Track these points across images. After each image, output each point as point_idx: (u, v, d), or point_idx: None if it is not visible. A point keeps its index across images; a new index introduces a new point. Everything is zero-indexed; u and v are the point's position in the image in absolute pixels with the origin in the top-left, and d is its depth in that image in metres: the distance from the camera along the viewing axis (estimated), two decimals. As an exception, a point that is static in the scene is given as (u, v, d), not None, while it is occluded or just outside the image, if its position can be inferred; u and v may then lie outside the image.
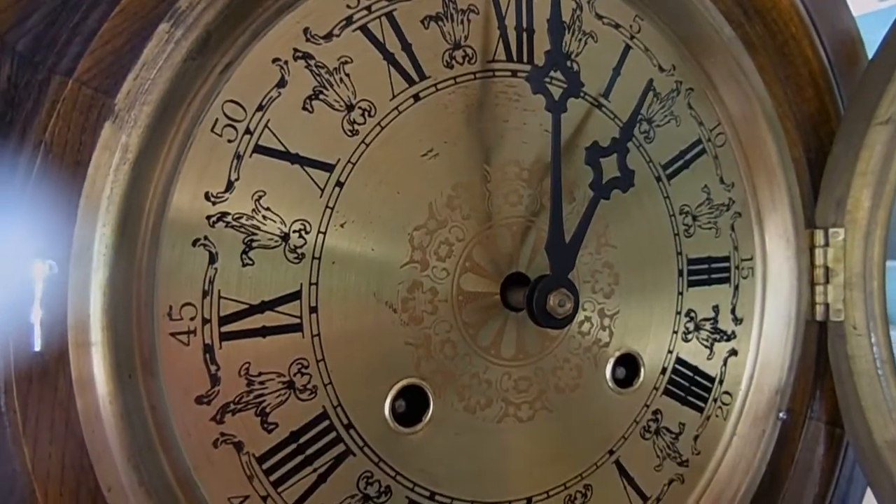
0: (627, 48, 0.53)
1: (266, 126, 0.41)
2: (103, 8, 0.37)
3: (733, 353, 0.58)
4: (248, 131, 0.41)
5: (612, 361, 0.53)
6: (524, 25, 0.49)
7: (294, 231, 0.42)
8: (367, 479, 0.45)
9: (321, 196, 0.43)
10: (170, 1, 0.38)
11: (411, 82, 0.45)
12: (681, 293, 0.55)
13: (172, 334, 0.39)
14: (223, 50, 0.40)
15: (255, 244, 0.41)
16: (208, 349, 0.40)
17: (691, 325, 0.56)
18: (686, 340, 0.56)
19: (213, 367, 0.40)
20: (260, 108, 0.41)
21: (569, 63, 0.50)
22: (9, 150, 0.35)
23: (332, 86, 0.43)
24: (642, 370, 0.54)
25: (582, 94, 0.50)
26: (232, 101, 0.40)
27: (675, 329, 0.55)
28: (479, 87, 0.47)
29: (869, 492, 0.59)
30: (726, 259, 0.57)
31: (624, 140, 0.49)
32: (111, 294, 0.37)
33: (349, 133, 0.44)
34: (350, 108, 0.43)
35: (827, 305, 0.57)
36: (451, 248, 0.47)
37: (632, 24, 0.53)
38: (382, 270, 0.45)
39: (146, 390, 0.39)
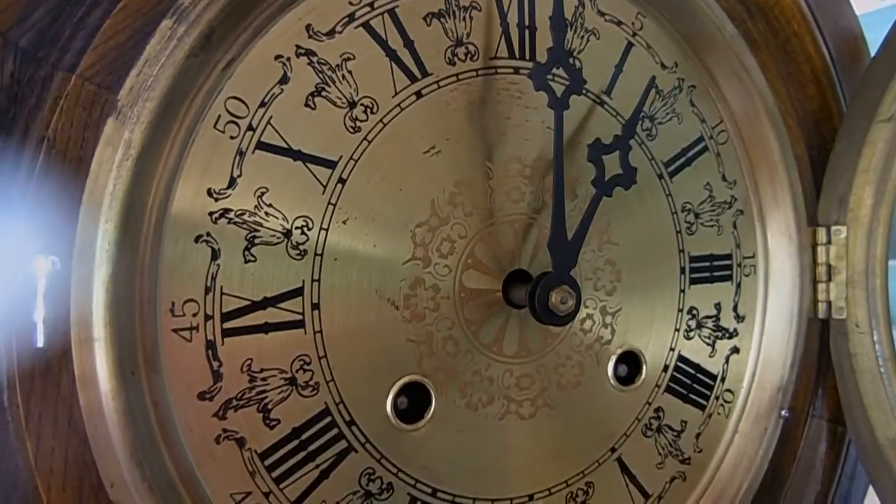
0: (629, 45, 0.53)
1: (268, 123, 0.41)
2: (106, 4, 0.37)
3: (735, 350, 0.58)
4: (250, 128, 0.41)
5: (613, 359, 0.53)
6: (526, 22, 0.49)
7: (296, 227, 0.42)
8: (369, 476, 0.45)
9: (323, 193, 0.43)
10: (172, -3, 0.38)
11: (413, 79, 0.45)
12: (683, 291, 0.55)
13: (175, 330, 0.39)
14: (226, 46, 0.40)
15: (257, 241, 0.41)
16: (210, 345, 0.40)
17: (693, 323, 0.56)
18: (688, 338, 0.56)
19: (215, 364, 0.40)
20: (262, 104, 0.41)
21: (571, 60, 0.49)
22: (12, 147, 0.35)
23: (334, 82, 0.43)
24: (644, 368, 0.54)
25: (584, 92, 0.50)
26: (234, 97, 0.41)
27: (677, 327, 0.55)
28: (481, 84, 0.47)
29: (871, 490, 0.58)
30: (728, 256, 0.57)
31: (626, 137, 0.48)
32: (114, 290, 0.37)
33: (351, 130, 0.44)
34: (352, 104, 0.43)
35: (829, 303, 0.57)
36: (453, 245, 0.47)
37: (634, 22, 0.53)
38: (384, 267, 0.45)
39: (149, 386, 0.39)
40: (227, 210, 0.40)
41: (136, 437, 0.37)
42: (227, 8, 0.39)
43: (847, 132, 0.57)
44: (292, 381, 0.42)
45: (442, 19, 0.46)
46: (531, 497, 0.50)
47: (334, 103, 0.43)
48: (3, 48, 0.34)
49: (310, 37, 0.42)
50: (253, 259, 0.41)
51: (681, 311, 0.55)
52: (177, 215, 0.39)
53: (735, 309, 0.57)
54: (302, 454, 0.43)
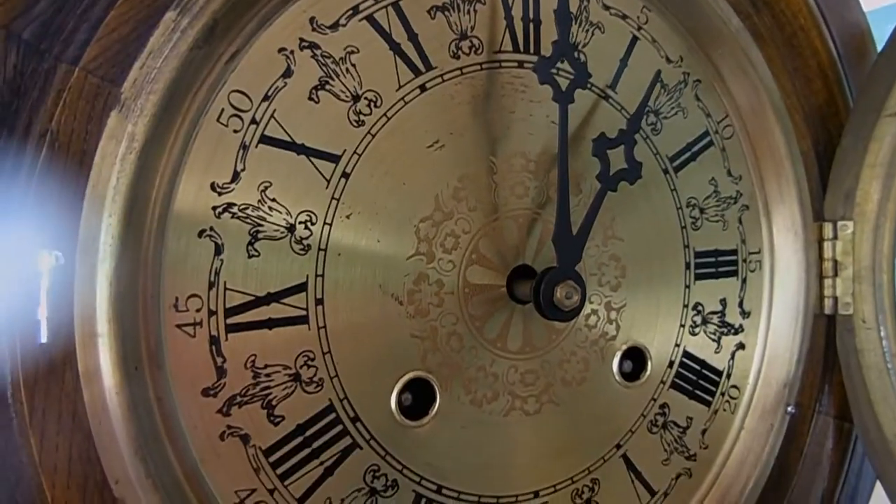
0: (635, 39, 0.52)
1: (272, 116, 0.41)
2: (109, -3, 0.37)
3: (741, 346, 0.57)
4: (253, 121, 0.41)
5: (618, 355, 0.52)
6: (531, 16, 0.49)
7: (300, 222, 0.42)
8: (373, 473, 0.44)
9: (327, 187, 0.43)
10: (176, -10, 0.37)
11: (417, 73, 0.45)
12: (688, 286, 0.55)
13: (178, 326, 0.39)
14: (229, 39, 0.39)
15: (260, 235, 0.41)
16: (214, 341, 0.40)
17: (699, 319, 0.55)
18: (693, 334, 0.55)
19: (219, 359, 0.40)
20: (266, 98, 0.41)
21: (576, 54, 0.49)
22: (15, 140, 0.35)
23: (338, 76, 0.43)
24: (649, 364, 0.53)
25: (589, 86, 0.50)
26: (238, 90, 0.40)
27: (683, 322, 0.55)
28: (485, 78, 0.47)
29: (878, 486, 0.58)
30: (734, 252, 0.57)
31: (631, 132, 0.48)
32: (117, 285, 0.37)
33: (355, 124, 0.43)
34: (356, 98, 0.43)
35: (836, 299, 0.57)
36: (457, 240, 0.47)
37: (639, 15, 0.53)
38: (388, 262, 0.44)
39: (152, 382, 0.38)
40: (230, 204, 0.40)
41: (140, 434, 0.37)
42: (230, 0, 0.39)
43: (854, 127, 0.57)
44: (296, 377, 0.42)
45: (446, 12, 0.46)
46: (536, 494, 0.50)
47: (338, 97, 0.43)
48: (6, 40, 0.34)
49: (313, 29, 0.42)
50: (256, 254, 0.41)
51: (686, 306, 0.55)
52: (180, 210, 0.39)
53: (741, 305, 0.57)
54: (306, 451, 0.42)
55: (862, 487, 0.61)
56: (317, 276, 0.42)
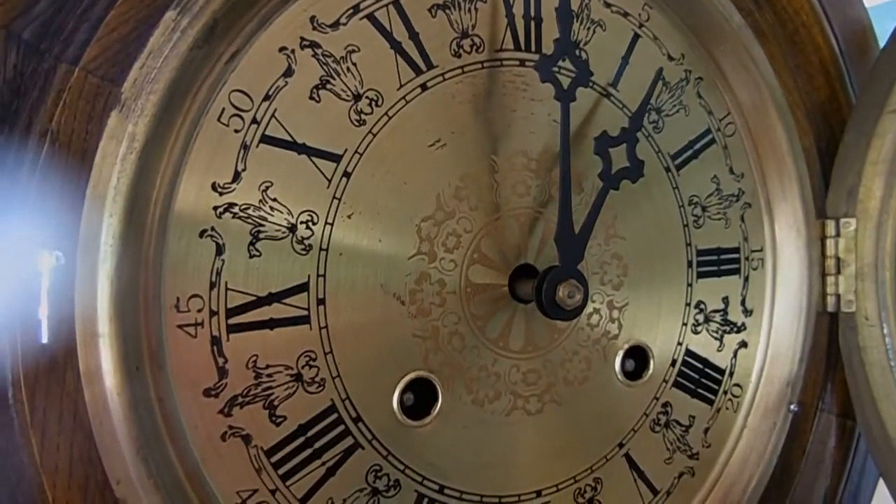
0: (636, 37, 0.52)
1: (273, 116, 0.41)
2: (109, -4, 0.36)
3: (743, 344, 0.57)
4: (254, 121, 0.41)
5: (621, 353, 0.52)
6: (532, 14, 0.48)
7: (301, 222, 0.42)
8: (375, 473, 0.44)
9: (328, 187, 0.42)
10: (176, -11, 0.37)
11: (419, 71, 0.45)
12: (690, 284, 0.55)
13: (180, 326, 0.39)
14: (230, 38, 0.39)
15: (262, 235, 0.41)
16: (216, 341, 0.40)
17: (701, 317, 0.55)
18: (696, 332, 0.55)
19: (220, 360, 0.40)
20: (266, 97, 0.41)
21: (577, 52, 0.49)
22: (15, 140, 0.35)
23: (339, 75, 0.43)
24: (652, 362, 0.53)
25: (591, 84, 0.49)
26: (238, 90, 0.40)
27: (685, 321, 0.55)
28: (486, 77, 0.47)
29: (881, 484, 0.58)
30: (736, 250, 0.56)
31: (633, 130, 0.48)
32: (118, 285, 0.37)
33: (356, 123, 0.43)
34: (357, 97, 0.43)
35: (838, 296, 0.57)
36: (458, 240, 0.46)
37: (640, 13, 0.53)
38: (390, 262, 0.44)
39: (154, 382, 0.38)
40: (231, 204, 0.40)
41: (142, 434, 0.37)
42: (230, -1, 0.38)
43: (856, 123, 0.56)
44: (298, 377, 0.42)
45: (447, 11, 0.46)
46: (539, 493, 0.50)
47: (339, 96, 0.43)
48: (6, 40, 0.34)
49: (314, 28, 0.42)
50: (258, 254, 0.41)
51: (688, 305, 0.55)
52: (181, 210, 0.39)
53: (743, 303, 0.57)
54: (308, 451, 0.42)
55: (865, 485, 0.60)
56: (318, 276, 0.42)
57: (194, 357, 0.39)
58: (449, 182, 0.46)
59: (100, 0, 0.36)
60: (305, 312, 0.42)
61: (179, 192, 0.39)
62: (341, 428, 0.43)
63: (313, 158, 0.42)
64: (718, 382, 0.56)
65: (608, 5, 0.51)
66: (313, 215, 0.42)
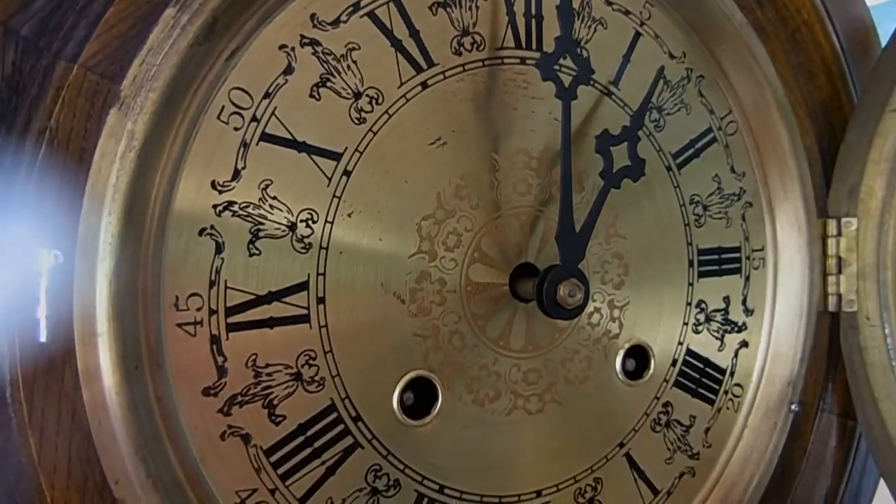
0: (637, 35, 0.52)
1: (273, 114, 0.41)
2: (108, -7, 0.36)
3: (744, 344, 0.57)
4: (254, 119, 0.40)
5: (621, 353, 0.52)
6: (533, 12, 0.48)
7: (301, 221, 0.42)
8: (375, 473, 0.44)
9: (328, 185, 0.42)
10: (175, -14, 0.37)
11: (419, 69, 0.45)
12: (691, 284, 0.55)
13: (179, 325, 0.39)
14: (230, 35, 0.39)
15: (261, 234, 0.41)
16: (215, 340, 0.40)
17: (702, 317, 0.55)
18: (696, 332, 0.55)
19: (220, 359, 0.40)
20: (267, 95, 0.41)
21: (578, 50, 0.49)
22: (13, 137, 0.35)
23: (339, 73, 0.42)
24: (652, 362, 0.53)
25: (592, 82, 0.49)
26: (238, 88, 0.40)
27: (686, 320, 0.55)
28: (487, 75, 0.47)
29: (882, 484, 0.58)
30: (737, 249, 0.56)
31: (635, 128, 0.48)
32: (117, 284, 0.37)
33: (356, 121, 0.43)
34: (357, 95, 0.43)
35: (839, 296, 0.57)
36: (459, 239, 0.46)
37: (642, 11, 0.52)
38: (390, 261, 0.44)
39: (153, 381, 0.38)
40: (231, 203, 0.40)
41: (141, 433, 0.37)
42: (230, -4, 0.38)
43: (858, 122, 0.56)
44: (298, 376, 0.42)
45: (448, 8, 0.45)
46: (539, 493, 0.49)
47: (339, 94, 0.42)
48: (5, 37, 0.34)
49: (314, 26, 0.42)
50: (257, 252, 0.41)
51: (689, 304, 0.55)
52: (180, 208, 0.39)
53: (744, 302, 0.57)
54: (308, 450, 0.42)
55: (865, 485, 0.60)
56: (318, 274, 0.42)
57: (193, 356, 0.39)
58: (449, 180, 0.46)
59: (99, -3, 0.36)
60: (305, 311, 0.42)
61: (179, 190, 0.39)
62: (341, 427, 0.43)
63: (313, 157, 0.42)
64: (719, 382, 0.56)
65: (609, 3, 0.51)
66: (313, 214, 0.42)
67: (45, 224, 0.35)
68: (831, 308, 0.57)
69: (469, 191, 0.46)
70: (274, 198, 0.41)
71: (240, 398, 0.40)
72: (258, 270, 0.41)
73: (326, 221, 0.42)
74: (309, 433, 0.42)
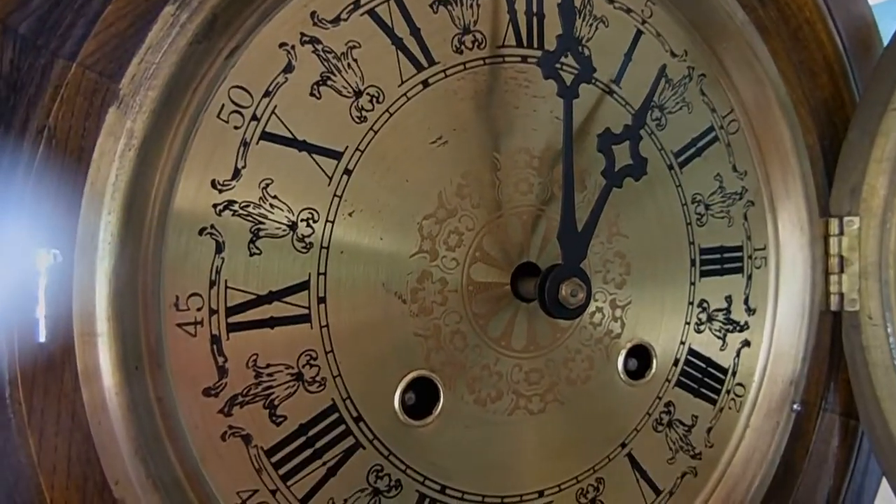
0: (639, 33, 0.52)
1: (273, 112, 0.40)
2: (107, -9, 0.36)
3: (746, 343, 0.57)
4: (254, 118, 0.40)
5: (623, 353, 0.52)
6: (534, 10, 0.48)
7: (302, 220, 0.41)
8: (377, 473, 0.44)
9: (329, 184, 0.42)
10: (175, -16, 0.37)
11: (420, 68, 0.44)
12: (693, 283, 0.54)
13: (179, 325, 0.39)
14: (229, 34, 0.39)
15: (262, 233, 0.40)
16: (215, 340, 0.39)
17: (704, 316, 0.55)
18: (698, 331, 0.55)
19: (220, 359, 0.39)
20: (267, 93, 0.40)
21: (580, 48, 0.49)
22: (12, 136, 0.34)
23: (339, 71, 0.42)
24: (654, 362, 0.53)
25: (593, 80, 0.49)
26: (238, 86, 0.40)
27: (688, 320, 0.54)
28: (488, 73, 0.47)
29: (884, 483, 0.58)
30: (739, 248, 0.56)
31: (637, 127, 0.48)
32: (117, 283, 0.36)
33: (357, 120, 0.43)
34: (358, 94, 0.43)
35: (842, 295, 0.57)
36: (460, 238, 0.46)
37: (643, 9, 0.52)
38: (391, 260, 0.44)
39: (153, 382, 0.38)
40: (231, 202, 0.40)
41: (141, 434, 0.37)
42: (230, -6, 0.38)
43: (860, 121, 0.56)
44: (299, 376, 0.41)
45: (449, 6, 0.45)
46: (541, 493, 0.49)
47: (340, 92, 0.42)
48: (3, 35, 0.34)
49: (315, 24, 0.42)
50: (258, 252, 0.40)
51: (691, 303, 0.54)
52: (180, 207, 0.39)
53: (746, 301, 0.57)
54: (309, 451, 0.42)
55: (868, 485, 0.60)
56: (319, 274, 0.42)
57: (194, 356, 0.39)
58: (451, 179, 0.46)
59: (97, -6, 0.35)
60: (306, 311, 0.41)
61: (178, 189, 0.39)
62: (342, 428, 0.43)
63: (314, 155, 0.42)
64: (721, 382, 0.56)
65: (611, 1, 0.51)
66: (314, 213, 0.42)
67: (44, 223, 0.35)
68: (833, 307, 0.57)
69: (470, 190, 0.46)
70: (274, 197, 0.41)
71: (240, 398, 0.40)
72: (259, 270, 0.40)
73: (327, 221, 0.42)
74: (310, 434, 0.42)
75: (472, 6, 0.46)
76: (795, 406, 0.56)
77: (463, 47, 0.46)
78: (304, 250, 0.41)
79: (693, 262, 0.54)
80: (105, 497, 0.37)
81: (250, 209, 0.40)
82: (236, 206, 0.40)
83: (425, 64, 0.45)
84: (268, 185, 0.41)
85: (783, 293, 0.57)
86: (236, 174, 0.40)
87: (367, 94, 0.43)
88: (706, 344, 0.55)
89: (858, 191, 0.56)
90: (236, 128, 0.40)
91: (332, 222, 0.42)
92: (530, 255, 0.49)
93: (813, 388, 0.58)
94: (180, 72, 0.37)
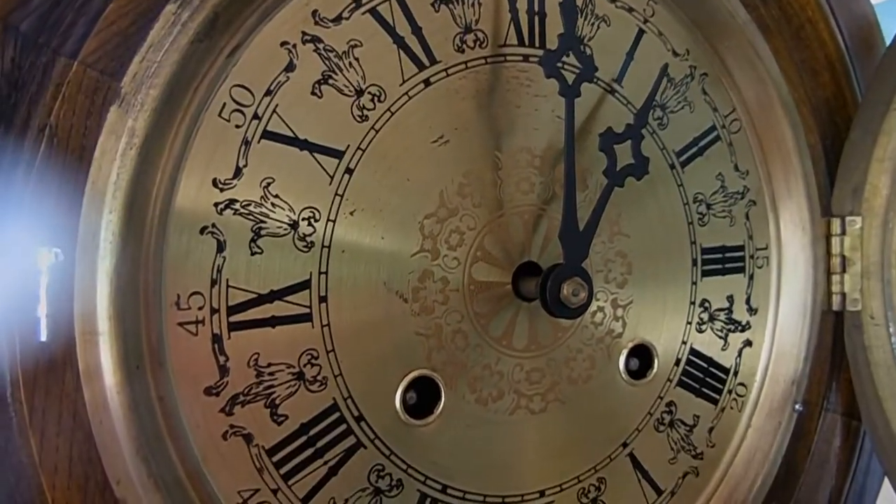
0: (641, 32, 0.52)
1: (274, 111, 0.40)
2: (108, -11, 0.36)
3: (748, 343, 0.57)
4: (256, 116, 0.40)
5: (625, 352, 0.52)
6: (536, 9, 0.48)
7: (303, 219, 0.41)
8: (378, 472, 0.44)
9: (330, 183, 0.42)
10: (176, -18, 0.37)
11: (422, 67, 0.44)
12: (695, 283, 0.54)
13: (180, 324, 0.39)
14: (231, 32, 0.39)
15: (263, 232, 0.40)
16: (217, 339, 0.39)
17: (705, 316, 0.55)
18: (700, 331, 0.55)
19: (221, 358, 0.39)
20: (268, 92, 0.40)
21: (581, 47, 0.49)
22: (13, 134, 0.34)
23: (341, 70, 0.42)
24: (656, 361, 0.53)
25: (595, 80, 0.49)
26: (240, 85, 0.40)
27: (689, 319, 0.54)
28: (490, 72, 0.47)
29: (886, 483, 0.58)
30: (741, 248, 0.56)
31: (638, 126, 0.48)
32: (118, 283, 0.36)
33: (358, 119, 0.43)
34: (359, 93, 0.43)
35: (843, 295, 0.56)
36: (462, 237, 0.46)
37: (645, 8, 0.52)
38: (393, 259, 0.44)
39: (154, 381, 0.38)
40: (232, 201, 0.40)
41: (142, 433, 0.37)
42: (231, -8, 0.38)
43: (862, 120, 0.56)
44: (300, 375, 0.41)
45: (450, 5, 0.45)
46: (542, 493, 0.49)
47: (341, 91, 0.42)
48: (4, 33, 0.34)
49: (316, 23, 0.42)
50: (259, 251, 0.40)
51: (693, 303, 0.54)
52: (182, 206, 0.39)
53: (748, 301, 0.56)
54: (310, 450, 0.42)
55: (870, 485, 0.60)
56: (320, 273, 0.42)
57: (195, 355, 0.39)
58: (452, 179, 0.45)
59: (99, -7, 0.35)
60: (307, 310, 0.41)
61: (180, 188, 0.38)
62: (343, 427, 0.43)
63: (315, 154, 0.42)
64: (723, 381, 0.56)
65: (613, 0, 0.51)
66: (315, 212, 0.42)
67: (45, 222, 0.35)
68: (835, 307, 0.57)
69: (472, 189, 0.46)
70: (276, 196, 0.41)
71: (242, 398, 0.40)
72: (260, 269, 0.40)
73: (328, 220, 0.42)
74: (311, 433, 0.42)
75: (473, 5, 0.46)
76: (797, 406, 0.56)
77: (464, 46, 0.46)
78: (306, 249, 0.41)
79: (695, 262, 0.54)
80: (106, 497, 0.37)
81: (251, 208, 0.40)
82: (237, 205, 0.40)
83: (427, 63, 0.45)
84: (269, 183, 0.40)
85: (785, 293, 0.57)
86: (237, 173, 0.40)
87: (369, 92, 0.43)
88: (708, 344, 0.55)
89: (861, 190, 0.55)
90: (238, 127, 0.40)
91: (334, 221, 0.42)
92: (532, 255, 0.49)
93: (815, 388, 0.57)
94: (182, 70, 0.37)
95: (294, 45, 0.41)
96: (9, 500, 0.35)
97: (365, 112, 0.43)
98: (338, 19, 0.42)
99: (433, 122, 0.45)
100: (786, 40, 0.56)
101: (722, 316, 0.56)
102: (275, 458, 0.41)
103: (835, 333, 0.58)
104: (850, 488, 0.59)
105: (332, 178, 0.42)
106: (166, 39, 0.36)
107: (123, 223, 0.36)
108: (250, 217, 0.40)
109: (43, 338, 0.35)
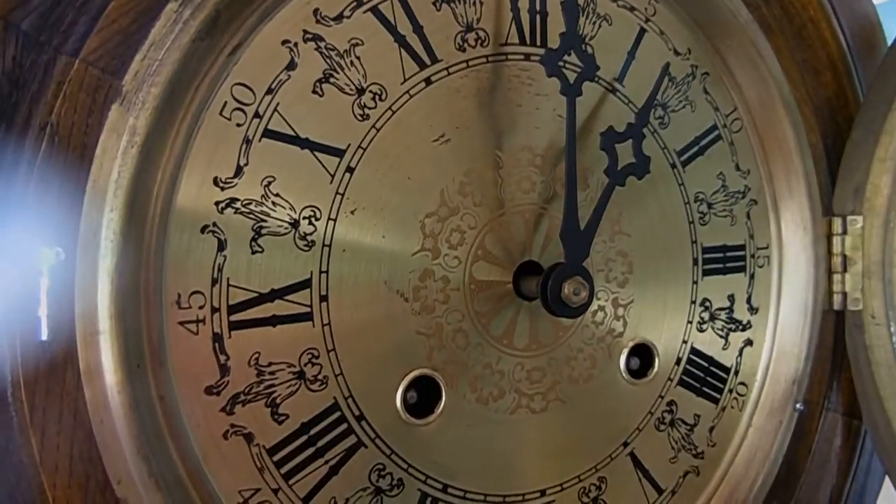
0: (642, 31, 0.52)
1: (275, 110, 0.40)
2: (109, -13, 0.36)
3: (749, 343, 0.57)
4: (257, 115, 0.40)
5: (626, 352, 0.52)
6: (537, 8, 0.48)
7: (304, 218, 0.41)
8: (379, 472, 0.44)
9: (331, 182, 0.42)
10: (177, -20, 0.37)
11: (423, 66, 0.44)
12: (695, 282, 0.54)
13: (181, 323, 0.38)
14: (232, 31, 0.39)
15: (264, 231, 0.40)
16: (217, 338, 0.39)
17: (706, 315, 0.55)
18: (701, 330, 0.55)
19: (222, 357, 0.39)
20: (269, 91, 0.40)
21: (583, 46, 0.48)
22: (14, 133, 0.34)
23: (342, 69, 0.42)
24: (657, 361, 0.53)
25: (597, 79, 0.49)
26: (241, 83, 0.40)
27: (690, 319, 0.54)
28: (491, 71, 0.47)
29: (887, 482, 0.58)
30: (742, 247, 0.56)
31: (640, 125, 0.48)
32: (119, 281, 0.36)
33: (359, 117, 0.43)
34: (360, 91, 0.43)
35: (845, 294, 0.56)
36: (462, 236, 0.46)
37: (647, 7, 0.52)
38: (393, 258, 0.44)
39: (155, 380, 0.38)
40: (233, 199, 0.40)
41: (143, 432, 0.37)
42: (233, -10, 0.38)
43: (864, 120, 0.56)
44: (301, 374, 0.41)
45: (452, 4, 0.45)
46: (543, 493, 0.49)
47: (342, 90, 0.42)
48: (5, 31, 0.33)
49: (317, 21, 0.41)
50: (260, 250, 0.40)
51: (693, 302, 0.54)
52: (182, 205, 0.38)
53: (749, 301, 0.56)
54: (311, 450, 0.42)
55: (871, 485, 0.60)
56: (321, 272, 0.42)
57: (196, 354, 0.39)
58: (453, 177, 0.45)
59: (100, -9, 0.35)
60: (308, 309, 0.41)
61: (181, 186, 0.38)
62: (344, 426, 0.43)
63: (316, 153, 0.41)
64: (724, 381, 0.56)
65: (614, -1, 0.51)
66: (316, 211, 0.42)
67: (46, 221, 0.35)
68: (836, 306, 0.57)
69: (473, 188, 0.46)
70: (276, 195, 0.41)
71: (242, 397, 0.40)
72: (261, 268, 0.40)
73: (329, 219, 0.42)
74: (312, 432, 0.42)
75: (475, 4, 0.46)
76: (798, 405, 0.56)
77: (466, 45, 0.46)
78: (307, 248, 0.41)
79: (695, 261, 0.54)
80: (107, 496, 0.37)
81: (252, 207, 0.40)
82: (238, 204, 0.40)
83: (428, 62, 0.44)
84: (270, 182, 0.40)
85: (786, 292, 0.57)
86: (238, 172, 0.40)
87: (370, 91, 0.43)
88: (708, 343, 0.55)
89: (862, 190, 0.55)
90: (239, 125, 0.40)
91: (335, 220, 0.42)
92: (532, 254, 0.49)
93: (816, 388, 0.57)
94: (183, 69, 0.37)
95: (295, 44, 0.41)
96: (10, 500, 0.35)
97: (366, 111, 0.43)
98: (339, 18, 0.42)
99: (434, 121, 0.45)
100: (787, 40, 0.55)
101: (723, 315, 0.56)
102: (275, 458, 0.41)
103: (836, 333, 0.58)
104: (850, 488, 0.59)
105: (332, 176, 0.42)
106: (168, 38, 0.36)
107: (124, 222, 0.36)
108: (251, 216, 0.40)
109: (44, 337, 0.35)
